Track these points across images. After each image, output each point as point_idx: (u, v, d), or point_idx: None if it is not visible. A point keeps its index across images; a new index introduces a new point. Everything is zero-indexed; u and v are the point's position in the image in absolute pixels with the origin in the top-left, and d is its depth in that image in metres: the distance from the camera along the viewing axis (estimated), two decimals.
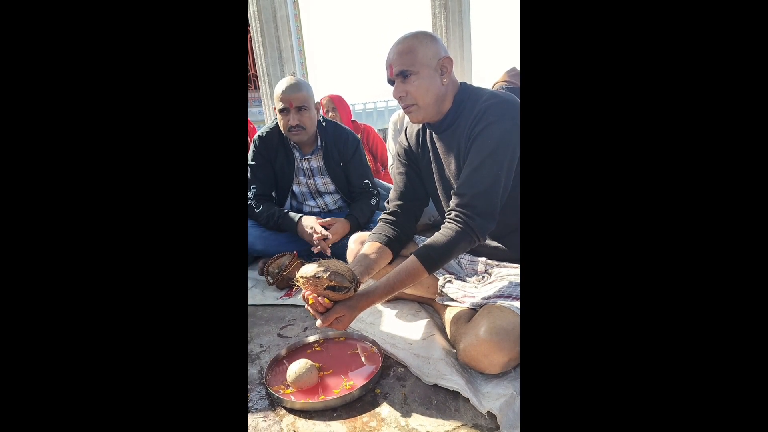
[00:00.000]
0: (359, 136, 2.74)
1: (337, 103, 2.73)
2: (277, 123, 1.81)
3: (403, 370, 1.03)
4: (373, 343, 1.11)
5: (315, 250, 1.66)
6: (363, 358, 1.07)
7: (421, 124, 1.21)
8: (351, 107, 2.87)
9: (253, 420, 0.90)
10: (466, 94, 1.10)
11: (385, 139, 2.90)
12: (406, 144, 1.26)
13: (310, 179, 1.89)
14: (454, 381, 0.92)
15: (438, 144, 1.16)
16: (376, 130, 2.92)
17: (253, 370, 1.09)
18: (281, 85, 1.70)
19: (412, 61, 1.03)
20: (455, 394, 0.91)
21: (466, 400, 0.88)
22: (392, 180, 1.32)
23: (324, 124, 1.85)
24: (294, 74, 1.81)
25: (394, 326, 1.24)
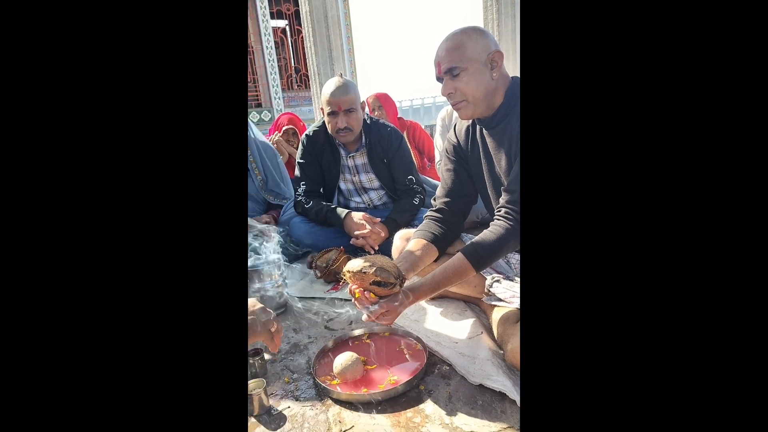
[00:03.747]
0: (405, 132, 2.74)
1: (383, 101, 2.75)
2: (324, 122, 1.85)
3: (447, 368, 1.02)
4: (418, 339, 1.11)
5: (354, 243, 1.69)
6: (407, 354, 1.07)
7: (470, 120, 1.20)
8: (398, 104, 2.89)
9: (300, 408, 0.93)
10: (518, 88, 1.07)
11: (432, 135, 2.88)
12: (455, 140, 1.25)
13: (355, 176, 1.92)
14: (500, 382, 0.90)
15: (488, 140, 1.14)
16: (422, 126, 2.90)
17: (301, 360, 1.13)
18: (329, 88, 1.73)
19: (460, 57, 1.01)
20: (501, 396, 0.89)
21: (513, 402, 0.86)
22: (439, 177, 1.31)
23: (368, 122, 1.87)
24: (342, 75, 1.84)
25: (439, 324, 1.23)
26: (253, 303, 0.84)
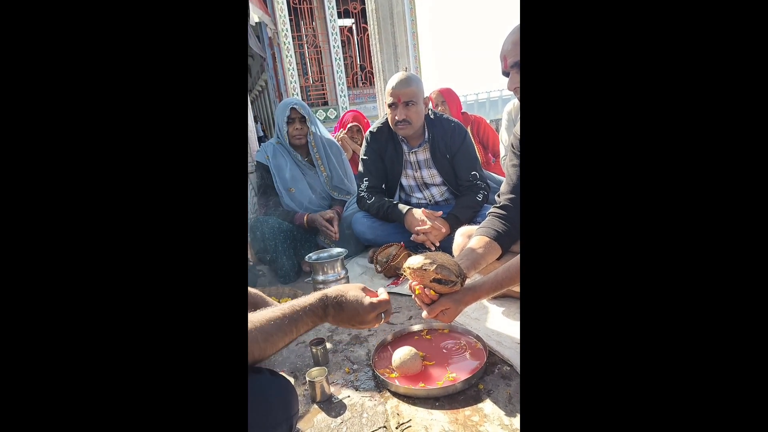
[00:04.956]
0: (469, 127, 2.69)
1: (446, 96, 2.72)
2: (387, 118, 1.87)
3: (508, 369, 1.00)
4: (478, 338, 1.10)
5: (414, 239, 1.69)
6: (467, 353, 1.06)
7: None
8: (463, 98, 2.84)
9: (360, 398, 0.95)
10: None
11: (498, 130, 2.80)
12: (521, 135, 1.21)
13: (417, 172, 1.92)
14: None
15: None
16: (488, 121, 2.83)
17: (361, 352, 1.16)
18: (392, 81, 1.76)
19: None
20: None
21: None
22: (504, 172, 1.28)
23: (431, 117, 1.86)
24: (407, 69, 1.85)
25: (500, 324, 1.21)
26: (355, 290, 0.79)
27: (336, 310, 0.75)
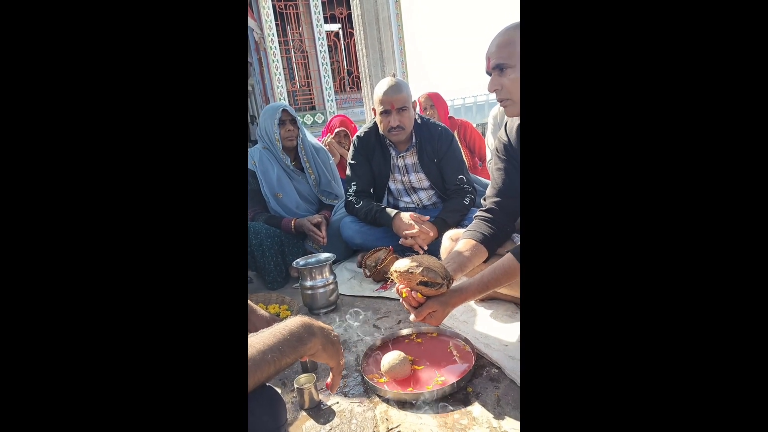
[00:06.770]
0: (456, 131, 2.71)
1: (434, 100, 2.74)
2: (375, 123, 1.87)
3: (496, 371, 1.00)
4: (466, 341, 1.10)
5: (403, 243, 1.69)
6: (455, 356, 1.06)
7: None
8: (451, 102, 2.87)
9: (349, 404, 0.95)
10: None
11: (484, 134, 2.83)
12: (506, 139, 1.22)
13: (405, 176, 1.92)
14: None
15: None
16: (474, 125, 2.86)
17: (350, 357, 1.15)
18: (382, 87, 1.75)
19: (510, 54, 0.99)
20: None
21: None
22: (490, 176, 1.29)
23: (419, 121, 1.87)
24: (394, 74, 1.85)
25: (488, 326, 1.21)
26: (330, 329, 0.72)
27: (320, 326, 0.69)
